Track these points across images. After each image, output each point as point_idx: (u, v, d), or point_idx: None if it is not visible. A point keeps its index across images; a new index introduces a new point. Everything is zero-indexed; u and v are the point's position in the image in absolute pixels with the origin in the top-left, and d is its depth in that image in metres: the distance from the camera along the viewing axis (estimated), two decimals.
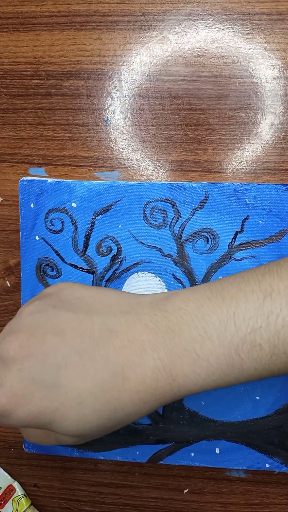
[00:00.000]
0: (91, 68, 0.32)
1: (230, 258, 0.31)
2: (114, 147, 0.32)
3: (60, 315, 0.23)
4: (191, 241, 0.31)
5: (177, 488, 0.34)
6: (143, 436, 0.32)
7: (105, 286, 0.32)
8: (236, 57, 0.31)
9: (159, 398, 0.22)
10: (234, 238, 0.30)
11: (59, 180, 0.32)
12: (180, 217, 0.31)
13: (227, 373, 0.21)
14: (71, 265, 0.32)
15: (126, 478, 0.34)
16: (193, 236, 0.31)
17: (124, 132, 0.32)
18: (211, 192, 0.30)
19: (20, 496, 0.35)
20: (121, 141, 0.32)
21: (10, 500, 0.35)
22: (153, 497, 0.34)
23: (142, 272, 0.32)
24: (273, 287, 0.21)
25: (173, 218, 0.31)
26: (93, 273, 0.32)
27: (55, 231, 0.32)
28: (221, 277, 0.31)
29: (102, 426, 0.22)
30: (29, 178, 0.32)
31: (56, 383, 0.21)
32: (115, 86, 0.32)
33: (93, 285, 0.32)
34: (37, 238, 0.32)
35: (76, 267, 0.32)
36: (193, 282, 0.31)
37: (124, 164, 0.32)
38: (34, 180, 0.32)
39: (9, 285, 0.34)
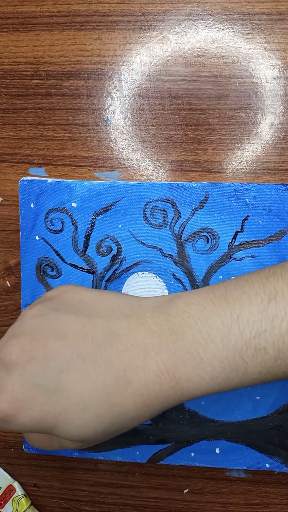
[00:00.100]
0: (91, 68, 0.32)
1: (230, 258, 0.31)
2: (114, 147, 0.32)
3: (62, 318, 0.23)
4: (191, 241, 0.31)
5: (177, 488, 0.34)
6: (143, 436, 0.32)
7: (105, 286, 0.32)
8: (236, 57, 0.31)
9: (162, 402, 0.21)
10: (234, 238, 0.30)
11: (59, 180, 0.32)
12: (180, 217, 0.31)
13: (231, 377, 0.21)
14: (71, 265, 0.32)
15: (126, 478, 0.34)
16: (193, 236, 0.31)
17: (124, 132, 0.32)
18: (211, 192, 0.30)
19: (20, 496, 0.35)
20: (121, 141, 0.32)
21: (10, 500, 0.35)
22: (153, 497, 0.34)
23: (142, 272, 0.32)
24: (277, 290, 0.21)
25: (173, 218, 0.31)
26: (93, 273, 0.32)
27: (55, 231, 0.32)
28: (221, 277, 0.31)
29: (105, 430, 0.22)
30: (29, 178, 0.32)
31: (58, 387, 0.21)
32: (115, 86, 0.32)
33: (93, 285, 0.32)
34: (37, 238, 0.32)
35: (76, 267, 0.32)
36: (193, 282, 0.31)
37: (124, 164, 0.32)
38: (34, 180, 0.32)
39: (9, 285, 0.34)
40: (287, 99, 0.31)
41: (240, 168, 0.31)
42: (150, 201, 0.31)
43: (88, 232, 0.32)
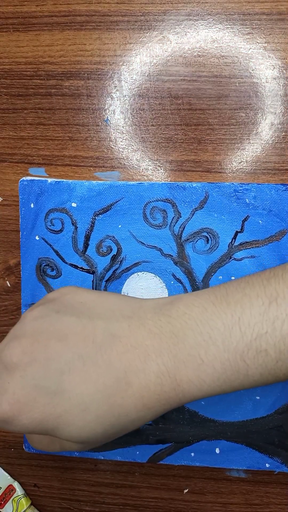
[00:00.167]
0: (91, 68, 0.32)
1: (230, 258, 0.31)
2: (114, 147, 0.32)
3: (63, 320, 0.23)
4: (191, 241, 0.31)
5: (177, 488, 0.34)
6: (143, 436, 0.32)
7: (105, 286, 0.32)
8: (236, 57, 0.31)
9: (163, 404, 0.21)
10: (234, 238, 0.30)
11: (59, 180, 0.32)
12: (180, 217, 0.31)
13: (232, 379, 0.21)
14: (71, 265, 0.32)
15: (126, 478, 0.34)
16: (193, 236, 0.31)
17: (124, 132, 0.32)
18: (211, 192, 0.30)
19: (20, 496, 0.35)
20: (121, 141, 0.32)
21: (10, 500, 0.35)
22: (153, 497, 0.34)
23: (142, 272, 0.32)
24: (278, 292, 0.21)
25: (173, 218, 0.31)
26: (93, 273, 0.32)
27: (55, 231, 0.32)
28: (221, 277, 0.31)
29: (105, 432, 0.22)
30: (29, 178, 0.32)
31: (59, 389, 0.21)
32: (115, 86, 0.32)
33: (93, 285, 0.32)
34: (37, 238, 0.32)
35: (76, 267, 0.32)
36: (193, 282, 0.31)
37: (124, 164, 0.32)
38: (34, 180, 0.32)
39: (9, 285, 0.34)
40: (287, 99, 0.31)
41: (240, 168, 0.31)
42: (150, 201, 0.31)
43: (88, 232, 0.32)
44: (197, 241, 0.31)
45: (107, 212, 0.31)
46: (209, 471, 0.33)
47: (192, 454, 0.32)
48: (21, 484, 0.36)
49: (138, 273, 0.32)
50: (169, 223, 0.31)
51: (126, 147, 0.32)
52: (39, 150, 0.33)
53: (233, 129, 0.31)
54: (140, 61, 0.31)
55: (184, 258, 0.31)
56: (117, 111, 0.32)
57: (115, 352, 0.21)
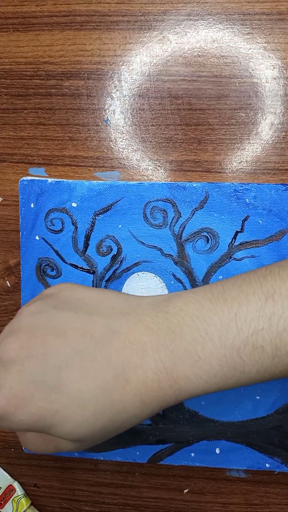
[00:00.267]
0: (91, 68, 0.32)
1: (230, 257, 0.31)
2: (114, 147, 0.32)
3: (61, 315, 0.23)
4: (191, 241, 0.31)
5: (177, 488, 0.34)
6: (143, 436, 0.32)
7: (105, 286, 0.32)
8: (236, 57, 0.31)
9: (161, 401, 0.22)
10: (234, 237, 0.30)
11: (59, 180, 0.32)
12: (180, 217, 0.31)
13: (229, 376, 0.21)
14: (71, 265, 0.32)
15: (126, 478, 0.34)
16: (193, 236, 0.31)
17: (124, 132, 0.32)
18: (211, 192, 0.30)
19: (20, 496, 0.35)
20: (121, 141, 0.32)
21: (10, 500, 0.35)
22: (153, 497, 0.34)
23: (142, 272, 0.32)
24: (275, 288, 0.21)
25: (173, 218, 0.31)
26: (93, 273, 0.32)
27: (55, 231, 0.32)
28: (221, 277, 0.31)
29: (103, 429, 0.22)
30: (29, 178, 0.32)
31: (57, 385, 0.21)
32: (115, 86, 0.32)
33: (93, 285, 0.32)
34: (37, 238, 0.32)
35: (76, 267, 0.32)
36: (193, 282, 0.31)
37: (124, 164, 0.32)
38: (34, 180, 0.32)
39: (9, 285, 0.34)
40: (287, 99, 0.31)
41: (240, 168, 0.31)
42: (150, 201, 0.31)
43: (88, 232, 0.32)
44: (197, 241, 0.31)
45: (107, 212, 0.31)
46: (209, 471, 0.33)
47: (192, 454, 0.32)
48: (21, 484, 0.36)
49: (138, 273, 0.32)
50: (169, 223, 0.31)
51: (126, 147, 0.32)
52: (39, 150, 0.33)
53: (233, 129, 0.31)
54: (140, 61, 0.31)
55: (184, 258, 0.31)
56: (117, 111, 0.32)
57: (113, 348, 0.21)
